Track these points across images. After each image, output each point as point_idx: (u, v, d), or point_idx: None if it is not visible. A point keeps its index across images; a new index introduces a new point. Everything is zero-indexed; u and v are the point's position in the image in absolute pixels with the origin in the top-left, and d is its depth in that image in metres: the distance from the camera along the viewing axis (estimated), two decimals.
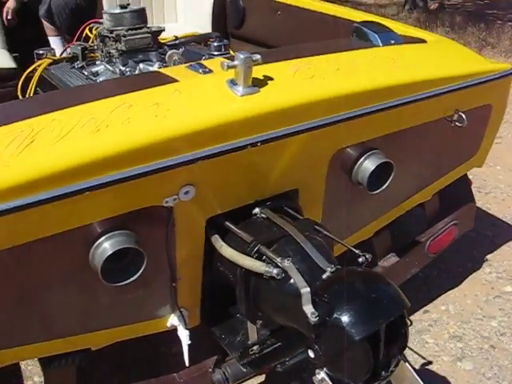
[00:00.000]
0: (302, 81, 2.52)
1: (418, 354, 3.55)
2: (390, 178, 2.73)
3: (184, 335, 2.62)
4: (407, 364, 2.29)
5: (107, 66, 3.74)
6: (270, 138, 2.34)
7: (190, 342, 2.62)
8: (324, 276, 2.13)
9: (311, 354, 2.07)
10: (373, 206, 3.02)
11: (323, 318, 2.00)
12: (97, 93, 2.42)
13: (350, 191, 2.79)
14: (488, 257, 4.49)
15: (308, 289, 2.04)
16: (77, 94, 2.62)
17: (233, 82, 2.35)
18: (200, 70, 2.56)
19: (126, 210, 2.19)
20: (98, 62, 3.88)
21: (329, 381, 2.13)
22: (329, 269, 2.12)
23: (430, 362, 3.52)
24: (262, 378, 3.11)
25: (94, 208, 2.11)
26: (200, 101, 2.34)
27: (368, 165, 2.69)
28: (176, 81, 2.46)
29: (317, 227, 2.42)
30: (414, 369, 2.32)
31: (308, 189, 2.67)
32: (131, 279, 2.21)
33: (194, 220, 2.39)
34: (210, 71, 2.54)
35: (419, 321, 3.80)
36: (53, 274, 2.18)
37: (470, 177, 3.88)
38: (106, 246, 2.15)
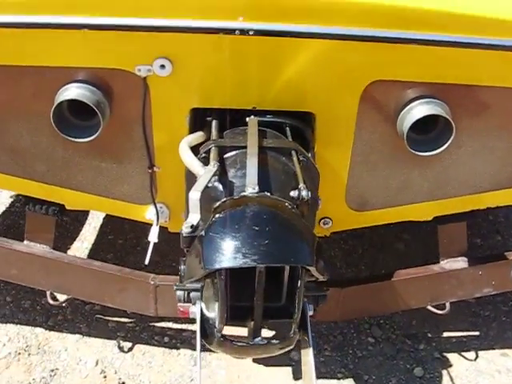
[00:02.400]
0: None
1: None
2: (448, 142, 2.14)
3: (153, 231, 2.47)
4: (311, 350, 1.83)
5: None
6: (267, 30, 2.00)
7: (156, 241, 2.47)
8: (238, 194, 1.78)
9: (181, 266, 1.77)
10: (429, 178, 2.41)
11: (196, 233, 1.68)
12: None
13: (393, 143, 2.27)
14: None
15: (196, 195, 1.72)
16: None
17: None
18: None
19: (97, 64, 2.11)
20: None
21: (198, 315, 1.81)
22: (249, 189, 1.76)
23: None
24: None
25: (66, 51, 2.08)
26: None
27: (415, 111, 2.15)
28: None
29: (296, 157, 2.03)
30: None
31: (329, 119, 2.24)
32: (87, 138, 2.15)
33: (172, 104, 2.19)
34: None
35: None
36: (20, 106, 2.22)
37: None
38: (67, 93, 2.11)
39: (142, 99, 2.17)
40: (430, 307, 2.72)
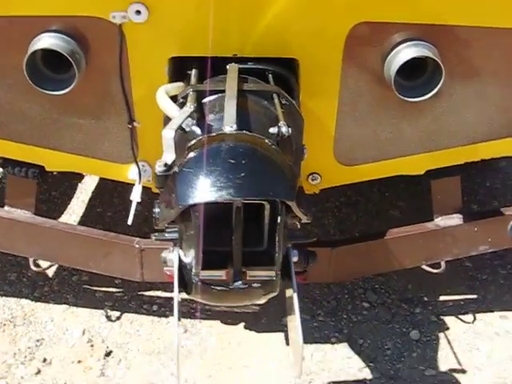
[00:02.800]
0: None
1: None
2: (438, 86, 2.06)
3: (136, 190, 2.39)
4: (295, 295, 1.75)
5: None
6: None
7: (139, 200, 2.39)
8: (216, 132, 1.70)
9: (155, 209, 1.69)
10: (420, 128, 2.33)
11: (170, 172, 1.61)
12: None
13: (381, 91, 2.19)
14: None
15: (170, 133, 1.64)
16: None
17: None
18: None
19: (70, 12, 2.03)
20: None
21: (175, 262, 1.74)
22: (227, 128, 1.67)
23: None
24: None
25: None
26: None
27: (402, 54, 2.06)
28: None
29: (277, 100, 1.94)
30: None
31: (313, 65, 2.15)
32: (63, 91, 2.07)
33: (150, 53, 2.11)
34: None
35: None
36: None
37: None
38: (41, 43, 2.02)
39: (118, 49, 2.09)
40: (424, 266, 2.65)
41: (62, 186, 3.73)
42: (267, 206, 1.63)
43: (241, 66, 2.08)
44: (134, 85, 2.19)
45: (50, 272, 3.06)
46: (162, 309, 2.92)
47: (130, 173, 2.43)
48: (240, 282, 1.66)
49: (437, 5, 2.04)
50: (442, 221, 2.61)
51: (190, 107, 1.78)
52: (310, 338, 2.79)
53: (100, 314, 2.86)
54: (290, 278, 1.78)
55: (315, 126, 2.27)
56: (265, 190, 1.55)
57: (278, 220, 1.59)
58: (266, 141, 1.64)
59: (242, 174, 1.50)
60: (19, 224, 2.56)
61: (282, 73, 2.14)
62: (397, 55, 2.08)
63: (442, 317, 2.91)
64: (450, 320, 2.90)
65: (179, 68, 2.16)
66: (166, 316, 2.88)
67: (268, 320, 2.88)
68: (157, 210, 1.69)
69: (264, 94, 1.95)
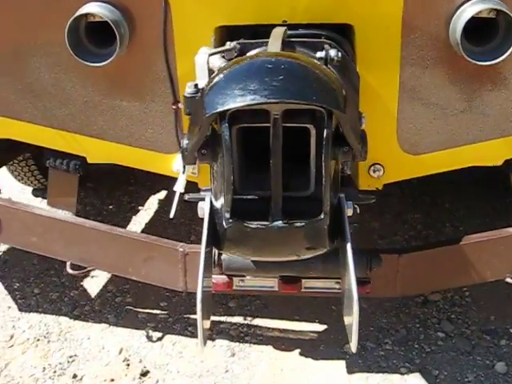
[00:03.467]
0: None
1: None
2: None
3: (180, 181, 2.20)
4: (348, 245, 1.45)
5: None
6: None
7: (182, 191, 2.19)
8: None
9: (184, 141, 1.48)
10: (495, 106, 2.04)
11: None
12: None
13: (448, 60, 1.95)
14: None
15: (203, 58, 1.47)
16: None
17: None
18: None
19: None
20: None
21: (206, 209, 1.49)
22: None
23: None
24: None
25: None
26: None
27: (468, 11, 1.84)
28: None
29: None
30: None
31: (370, 32, 1.95)
32: (104, 62, 1.97)
33: (196, 22, 1.99)
34: None
35: None
36: (38, 36, 2.09)
37: None
38: (84, 9, 1.96)
39: (162, 18, 2.00)
40: (509, 279, 2.27)
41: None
42: (313, 132, 1.39)
43: (290, 32, 1.93)
44: (179, 59, 2.06)
45: (93, 292, 2.87)
46: (208, 332, 2.63)
47: (175, 165, 2.28)
48: (280, 222, 1.40)
49: None
50: None
51: (231, 45, 1.62)
52: (375, 367, 2.41)
53: (141, 334, 2.60)
54: (342, 234, 1.50)
55: (375, 105, 2.04)
56: (307, 94, 1.31)
57: (325, 134, 1.34)
58: (311, 58, 1.44)
59: (281, 77, 1.28)
60: (58, 224, 2.42)
61: (336, 40, 1.96)
62: (462, 13, 1.88)
63: None
64: None
65: (226, 39, 2.03)
66: (213, 339, 2.58)
67: (327, 347, 2.53)
68: (185, 141, 1.48)
69: (314, 47, 1.77)
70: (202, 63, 1.50)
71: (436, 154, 2.16)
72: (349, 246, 1.45)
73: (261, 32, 1.97)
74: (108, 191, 3.85)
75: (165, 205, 3.67)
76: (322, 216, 1.42)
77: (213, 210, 1.50)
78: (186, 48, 2.05)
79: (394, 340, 2.54)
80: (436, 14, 1.93)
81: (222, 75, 1.36)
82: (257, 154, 1.45)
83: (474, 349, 2.48)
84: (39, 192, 3.71)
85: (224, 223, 1.42)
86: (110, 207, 3.64)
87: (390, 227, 3.37)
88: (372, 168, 2.20)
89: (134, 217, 3.56)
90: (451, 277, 2.31)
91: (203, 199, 1.60)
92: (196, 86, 1.48)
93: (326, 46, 1.74)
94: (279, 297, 2.77)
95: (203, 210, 1.54)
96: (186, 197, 1.69)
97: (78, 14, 1.95)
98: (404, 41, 1.98)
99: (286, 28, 1.83)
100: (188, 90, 1.49)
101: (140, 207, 3.68)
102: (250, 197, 1.46)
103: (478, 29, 1.90)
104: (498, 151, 2.15)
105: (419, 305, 2.73)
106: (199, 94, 1.43)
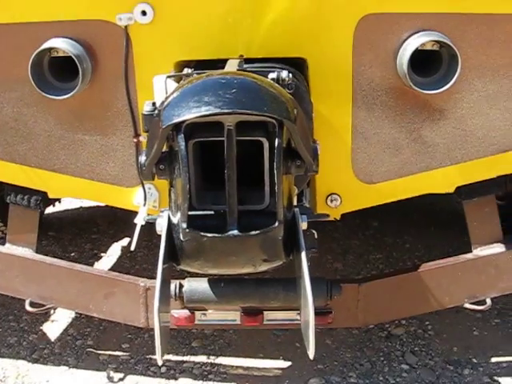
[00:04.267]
0: None
1: None
2: (455, 76, 1.93)
3: (141, 213, 2.21)
4: (303, 254, 1.48)
5: None
6: None
7: (143, 223, 2.20)
8: None
9: (141, 157, 1.51)
10: (444, 134, 2.14)
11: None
12: None
13: (397, 90, 2.06)
14: None
15: (161, 78, 1.53)
16: None
17: None
18: None
19: (77, 16, 2.04)
20: None
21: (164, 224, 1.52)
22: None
23: None
24: None
25: (46, 4, 2.03)
26: None
27: (413, 43, 1.96)
28: None
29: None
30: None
31: (323, 64, 2.05)
32: (67, 95, 2.02)
33: (156, 56, 2.06)
34: None
35: None
36: (0, 71, 2.13)
37: None
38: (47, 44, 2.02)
39: (124, 52, 2.07)
40: (468, 305, 2.31)
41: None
42: (266, 145, 1.44)
43: (246, 66, 2.02)
44: (140, 93, 2.11)
45: (53, 336, 2.80)
46: (172, 371, 2.57)
47: (136, 198, 2.30)
48: (236, 230, 1.42)
49: None
50: (481, 250, 2.32)
51: (188, 70, 1.69)
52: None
53: (102, 376, 2.53)
54: (297, 246, 1.52)
55: (329, 136, 2.13)
56: (259, 105, 1.37)
57: (276, 143, 1.38)
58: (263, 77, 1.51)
59: (234, 90, 1.34)
60: (18, 261, 2.38)
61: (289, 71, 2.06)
62: (407, 46, 2.00)
63: (496, 377, 2.48)
64: (506, 381, 2.46)
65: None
66: (176, 378, 2.53)
67: (291, 383, 2.50)
68: (143, 157, 1.51)
69: (266, 73, 1.84)
70: (160, 85, 1.56)
71: (390, 182, 2.24)
72: (303, 256, 1.48)
73: (218, 66, 2.07)
74: (70, 239, 3.83)
75: (127, 251, 3.66)
76: (276, 224, 1.45)
77: (170, 225, 1.52)
78: (146, 82, 2.11)
79: (359, 373, 2.53)
80: (384, 48, 2.05)
81: (178, 91, 1.42)
82: (213, 170, 1.49)
83: (439, 379, 2.48)
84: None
85: (181, 235, 1.44)
86: (72, 254, 3.60)
87: (353, 267, 3.41)
88: (329, 198, 2.26)
89: (96, 263, 3.54)
90: (412, 304, 2.35)
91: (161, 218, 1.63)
92: (154, 104, 1.53)
93: (278, 69, 1.83)
94: (242, 335, 2.76)
95: (161, 225, 1.56)
96: (146, 218, 1.71)
97: (41, 48, 2.01)
98: (355, 73, 2.09)
99: (241, 59, 1.92)
100: (146, 107, 1.54)
101: (102, 254, 3.66)
102: (206, 212, 1.49)
103: (424, 60, 2.03)
104: (449, 178, 2.23)
105: (383, 339, 2.74)
106: (156, 112, 1.49)
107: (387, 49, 2.05)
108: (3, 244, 2.47)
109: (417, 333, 2.78)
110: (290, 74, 1.62)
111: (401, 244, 3.65)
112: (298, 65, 2.08)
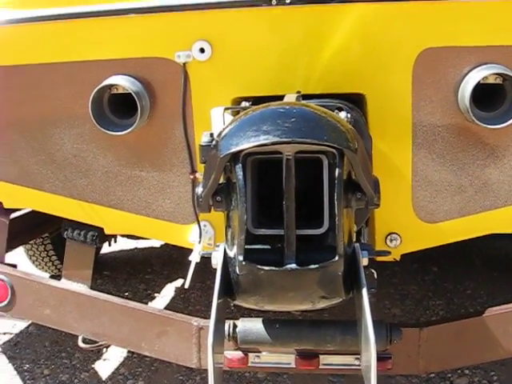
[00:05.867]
0: None
1: None
2: None
3: (196, 250, 2.19)
4: (364, 290, 1.40)
5: None
6: None
7: (198, 261, 2.17)
8: None
9: (198, 189, 1.49)
10: (508, 170, 2.04)
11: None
12: None
13: (458, 126, 1.99)
14: None
15: (219, 110, 1.52)
16: None
17: None
18: None
19: (135, 54, 2.09)
20: None
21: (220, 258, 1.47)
22: None
23: None
24: None
25: (105, 43, 2.09)
26: None
27: (475, 75, 1.91)
28: None
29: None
30: None
31: (381, 100, 2.02)
32: (126, 131, 2.05)
33: (213, 93, 2.08)
34: None
35: None
36: (61, 109, 2.18)
37: None
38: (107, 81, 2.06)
39: (181, 89, 2.10)
40: None
41: None
42: (325, 162, 1.40)
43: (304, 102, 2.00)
44: (197, 129, 2.13)
45: (104, 375, 2.79)
46: None
47: (191, 235, 2.28)
48: (294, 264, 1.37)
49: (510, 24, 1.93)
50: None
51: (246, 104, 1.68)
52: None
53: None
54: (357, 280, 1.45)
55: (389, 172, 2.07)
56: (319, 134, 1.34)
57: (336, 173, 1.34)
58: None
59: (293, 119, 1.32)
60: (72, 296, 2.39)
61: (347, 108, 2.03)
62: (469, 80, 1.94)
63: None
64: None
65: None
66: None
67: None
68: (200, 189, 1.49)
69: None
70: (218, 117, 1.56)
71: (453, 221, 2.15)
72: (365, 293, 1.41)
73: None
74: (124, 279, 3.86)
75: (181, 292, 3.64)
76: (336, 258, 1.40)
77: (226, 259, 1.49)
78: (204, 119, 2.13)
79: None
80: (445, 82, 2.01)
81: (236, 122, 1.41)
82: (271, 202, 1.46)
83: None
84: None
85: (237, 268, 1.41)
86: (126, 294, 3.62)
87: (412, 313, 3.28)
88: (389, 237, 2.19)
89: (149, 303, 3.53)
90: (477, 351, 2.20)
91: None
92: (211, 135, 1.53)
93: (337, 110, 1.80)
94: (297, 380, 2.68)
95: (216, 258, 1.53)
96: (201, 253, 1.68)
97: (102, 85, 2.06)
98: (414, 108, 2.04)
99: (299, 95, 1.91)
100: (204, 138, 1.54)
101: (156, 294, 3.66)
102: (263, 246, 1.45)
103: (486, 95, 1.97)
104: None
105: None
106: (214, 142, 1.48)
107: (448, 83, 2.00)
108: (58, 279, 2.50)
109: (481, 383, 2.62)
110: (349, 114, 1.59)
111: (462, 290, 3.50)
112: (356, 101, 2.06)
